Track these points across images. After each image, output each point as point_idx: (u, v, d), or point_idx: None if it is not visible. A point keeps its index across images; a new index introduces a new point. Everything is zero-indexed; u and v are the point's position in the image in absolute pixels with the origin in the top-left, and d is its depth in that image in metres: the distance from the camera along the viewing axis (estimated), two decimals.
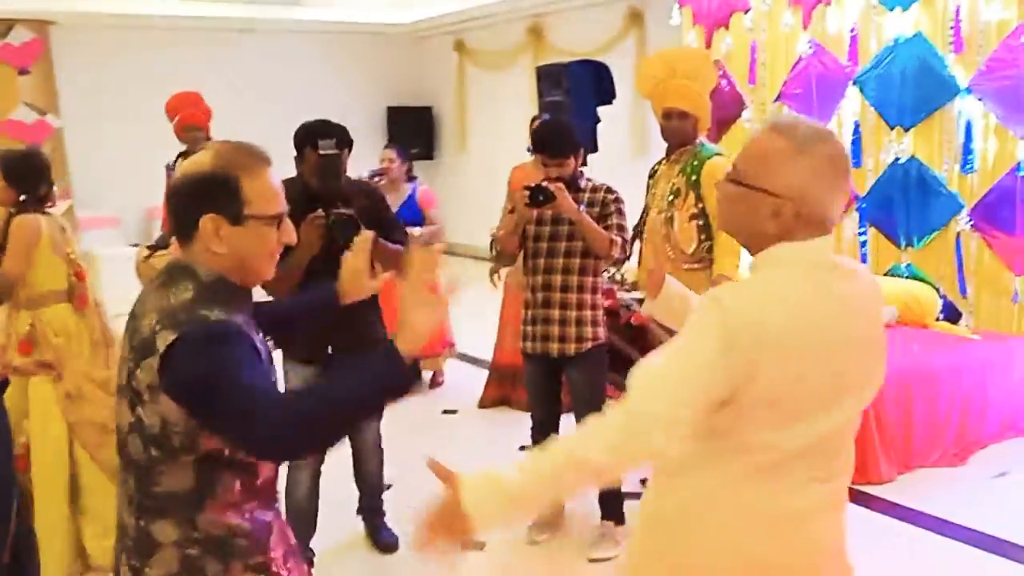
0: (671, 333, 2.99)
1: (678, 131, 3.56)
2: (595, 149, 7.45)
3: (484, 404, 4.94)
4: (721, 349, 1.28)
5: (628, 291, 4.64)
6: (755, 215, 1.38)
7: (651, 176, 3.85)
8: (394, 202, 4.87)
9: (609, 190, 3.15)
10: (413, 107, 10.77)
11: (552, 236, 3.14)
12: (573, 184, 3.08)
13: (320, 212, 2.83)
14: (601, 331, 3.21)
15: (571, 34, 8.91)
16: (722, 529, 1.38)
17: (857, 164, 5.27)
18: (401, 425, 4.86)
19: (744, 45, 5.91)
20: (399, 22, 9.86)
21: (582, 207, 3.05)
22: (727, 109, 5.97)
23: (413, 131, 10.51)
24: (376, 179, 4.98)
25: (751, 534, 1.36)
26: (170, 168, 5.46)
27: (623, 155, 8.31)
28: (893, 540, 3.31)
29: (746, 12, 5.87)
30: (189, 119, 5.32)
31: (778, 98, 5.70)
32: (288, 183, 1.64)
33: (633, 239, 4.39)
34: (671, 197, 3.55)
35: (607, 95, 7.49)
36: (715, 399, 1.30)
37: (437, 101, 10.93)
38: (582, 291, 3.15)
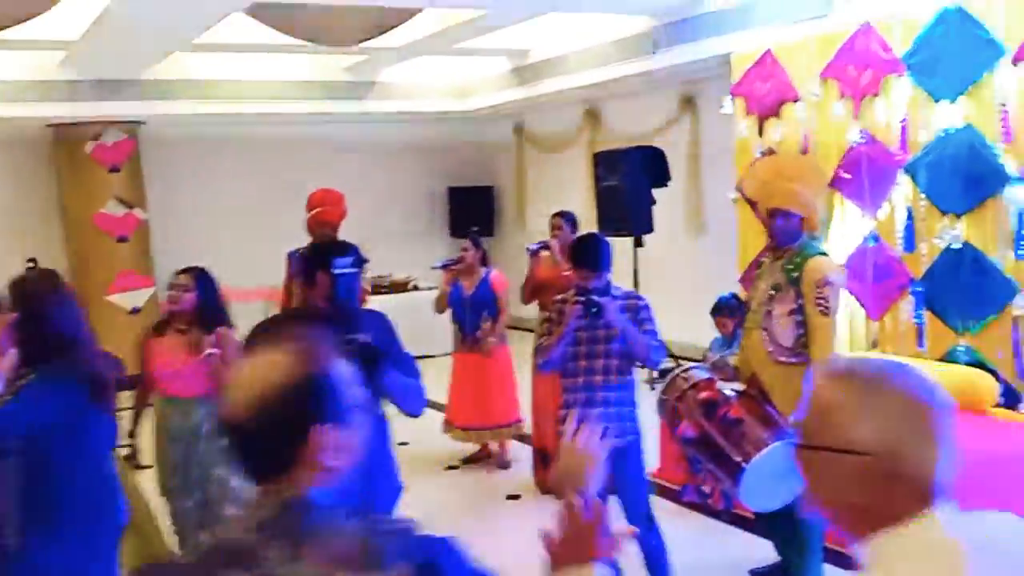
0: (768, 428, 3.20)
1: (782, 230, 3.73)
2: (651, 229, 7.72)
3: (544, 489, 5.12)
4: None
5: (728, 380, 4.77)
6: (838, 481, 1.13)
7: (756, 267, 4.04)
8: (469, 285, 5.55)
9: (638, 297, 3.45)
10: (474, 187, 11.18)
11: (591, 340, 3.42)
12: (606, 293, 3.36)
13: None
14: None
15: (626, 118, 9.24)
16: None
17: (911, 249, 5.41)
18: (464, 509, 5.09)
19: (795, 134, 6.11)
20: (468, 109, 10.34)
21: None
22: None
23: (474, 211, 10.91)
24: (452, 266, 5.63)
25: None
26: (293, 255, 5.87)
27: (678, 235, 8.53)
28: None
29: (795, 102, 6.09)
30: (324, 215, 5.75)
31: (831, 184, 5.87)
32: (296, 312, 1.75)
33: (735, 330, 4.61)
34: (772, 292, 3.70)
35: (661, 178, 7.77)
36: None
37: (497, 181, 11.34)
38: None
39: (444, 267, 5.71)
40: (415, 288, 9.72)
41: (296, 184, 10.26)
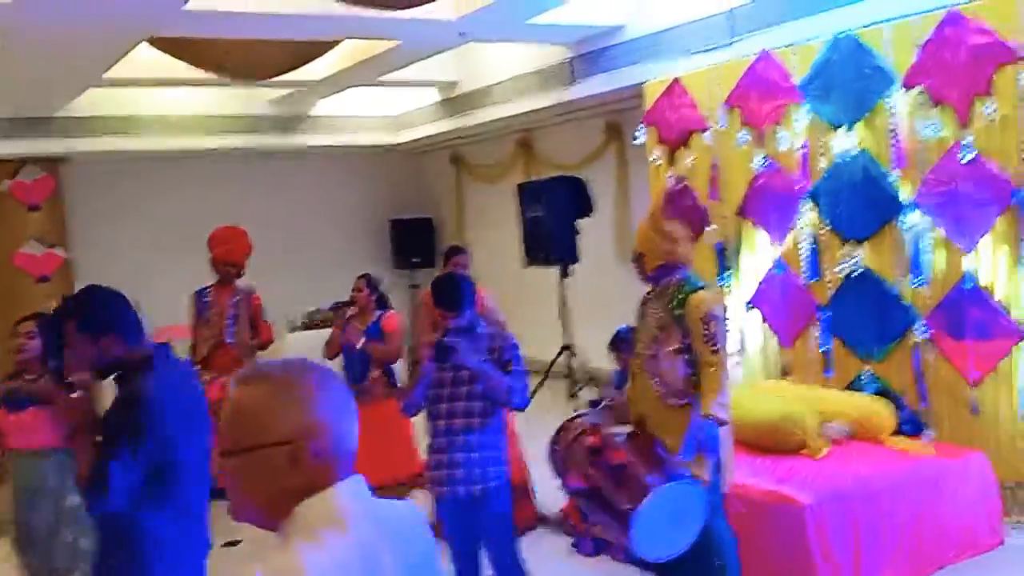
0: (657, 471, 3.09)
1: (639, 272, 3.69)
2: (575, 259, 7.69)
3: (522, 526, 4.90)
4: None
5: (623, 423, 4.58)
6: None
7: (642, 305, 3.79)
8: (359, 329, 5.06)
9: (505, 337, 3.33)
10: (414, 219, 11.10)
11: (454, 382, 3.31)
12: (470, 332, 3.26)
13: None
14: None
15: (556, 148, 9.24)
16: None
17: (816, 276, 5.39)
18: None
19: (705, 162, 6.10)
20: (400, 142, 10.28)
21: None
22: (692, 225, 6.12)
23: (415, 241, 10.83)
24: (342, 307, 5.15)
25: None
26: (199, 295, 5.72)
27: (608, 262, 8.49)
28: None
29: (703, 131, 6.08)
30: (228, 255, 5.61)
31: (739, 212, 5.85)
32: None
33: (624, 371, 4.44)
34: (657, 331, 3.53)
35: (584, 208, 7.75)
36: None
37: (437, 212, 11.27)
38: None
39: (334, 309, 5.32)
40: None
41: (229, 219, 10.17)
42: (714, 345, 3.39)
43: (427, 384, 3.30)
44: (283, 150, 9.82)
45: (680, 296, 3.50)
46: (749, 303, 5.78)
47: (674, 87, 6.31)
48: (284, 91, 8.68)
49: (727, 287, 5.95)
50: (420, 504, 5.33)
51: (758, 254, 5.78)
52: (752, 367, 5.78)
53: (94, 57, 6.23)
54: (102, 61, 6.37)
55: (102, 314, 2.34)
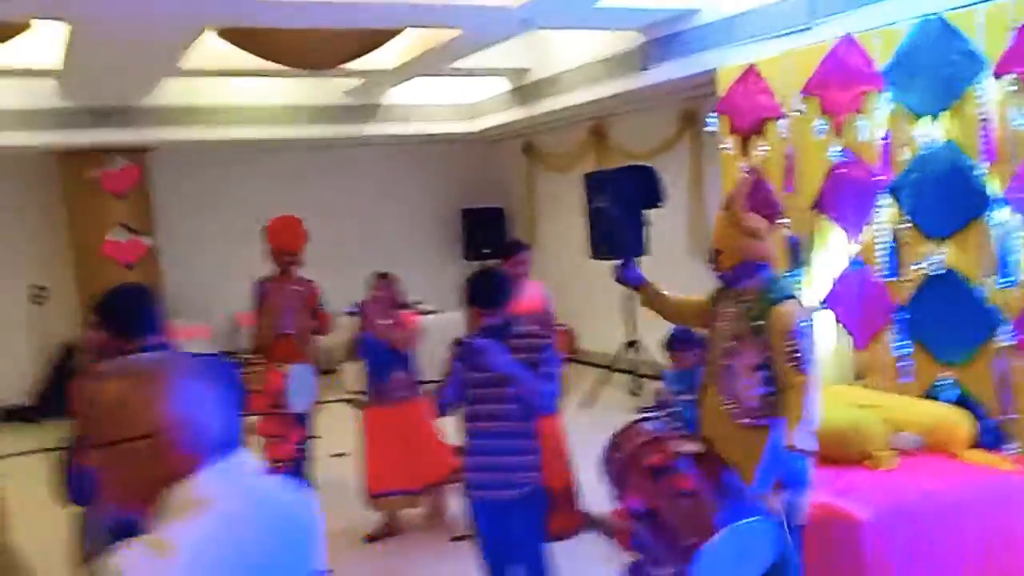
0: (728, 505, 2.77)
1: (715, 270, 3.36)
2: (641, 253, 7.41)
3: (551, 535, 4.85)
4: None
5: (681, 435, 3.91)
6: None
7: (712, 304, 3.44)
8: (380, 329, 5.13)
9: (543, 335, 3.17)
10: (486, 208, 11.04)
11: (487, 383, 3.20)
12: (505, 331, 3.13)
13: None
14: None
15: (630, 136, 9.02)
16: None
17: (895, 275, 5.07)
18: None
19: (779, 152, 5.81)
20: (473, 130, 10.21)
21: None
22: (764, 216, 5.86)
23: (486, 231, 10.77)
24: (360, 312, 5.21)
25: None
26: (259, 285, 5.79)
27: (680, 255, 8.25)
28: None
29: (778, 119, 5.79)
30: (285, 244, 5.66)
31: (814, 206, 5.56)
32: None
33: (693, 367, 4.18)
34: (733, 343, 3.19)
35: (654, 199, 7.48)
36: None
37: (508, 202, 11.18)
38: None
39: (352, 313, 5.24)
40: (420, 313, 9.59)
41: (304, 209, 10.31)
42: (801, 364, 3.04)
43: (459, 383, 3.20)
44: (357, 140, 9.88)
45: (761, 305, 3.13)
46: (822, 302, 5.48)
47: (749, 73, 6.03)
48: (356, 81, 8.70)
49: (799, 284, 5.67)
50: (435, 504, 5.21)
51: (833, 250, 5.48)
52: (823, 370, 5.48)
53: (162, 48, 6.34)
54: (171, 52, 6.48)
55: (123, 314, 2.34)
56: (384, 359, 5.03)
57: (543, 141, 10.45)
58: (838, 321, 5.39)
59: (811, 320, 3.23)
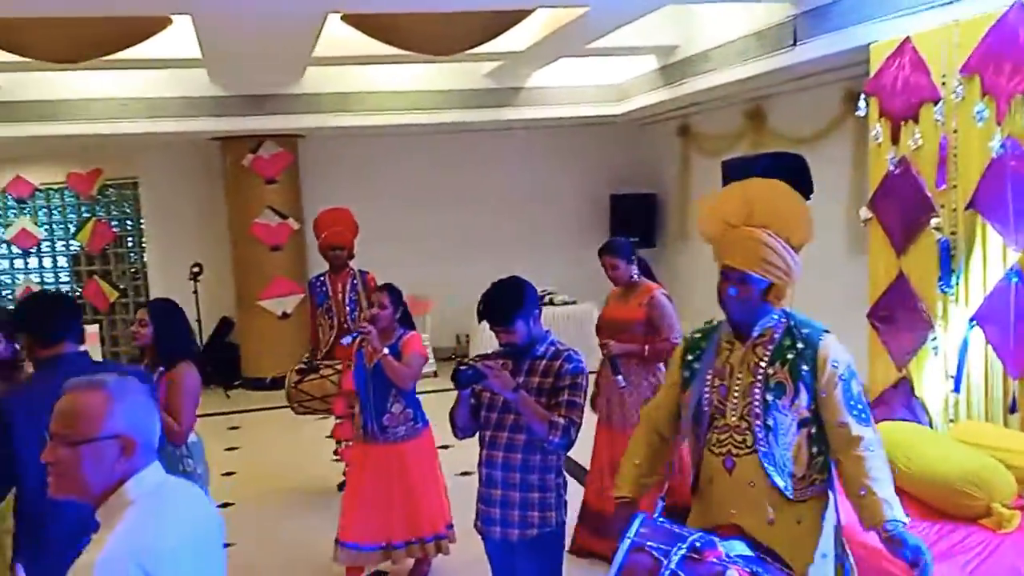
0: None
1: (737, 302, 2.60)
2: None
3: (574, 550, 4.54)
4: None
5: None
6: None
7: (692, 356, 2.71)
8: (373, 354, 4.23)
9: (569, 358, 2.77)
10: (636, 194, 10.54)
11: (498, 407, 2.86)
12: (525, 351, 2.77)
13: None
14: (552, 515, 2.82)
15: (789, 118, 8.24)
16: None
17: None
18: None
19: (933, 141, 4.99)
20: (620, 112, 9.75)
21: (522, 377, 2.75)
22: (912, 214, 5.09)
23: (636, 218, 10.29)
24: (361, 336, 4.29)
25: None
26: (314, 284, 5.73)
27: (838, 253, 7.43)
28: None
29: (935, 103, 4.97)
30: (336, 238, 5.56)
31: (970, 205, 4.73)
32: None
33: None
34: (772, 396, 2.52)
35: (802, 190, 6.73)
36: None
37: (661, 188, 10.61)
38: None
39: (354, 340, 4.35)
40: (550, 303, 9.32)
41: (449, 195, 10.32)
42: (864, 412, 2.49)
43: (467, 407, 2.90)
44: (501, 124, 9.69)
45: (800, 346, 2.54)
46: (972, 319, 4.66)
47: (904, 48, 5.23)
48: (495, 63, 8.49)
49: (950, 295, 4.86)
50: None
51: (989, 258, 4.63)
52: (968, 402, 4.67)
53: (292, 35, 6.39)
54: (300, 39, 6.53)
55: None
56: (378, 390, 4.24)
57: (699, 123, 9.81)
58: (988, 342, 4.56)
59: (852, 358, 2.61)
